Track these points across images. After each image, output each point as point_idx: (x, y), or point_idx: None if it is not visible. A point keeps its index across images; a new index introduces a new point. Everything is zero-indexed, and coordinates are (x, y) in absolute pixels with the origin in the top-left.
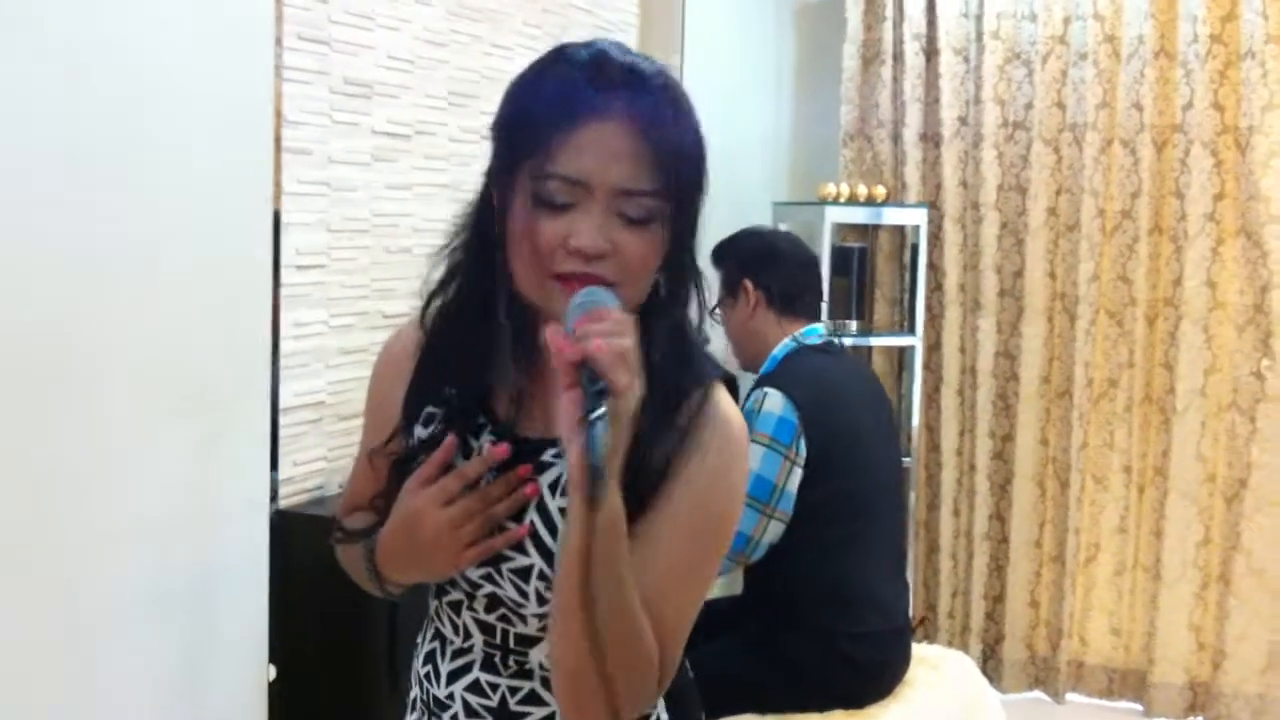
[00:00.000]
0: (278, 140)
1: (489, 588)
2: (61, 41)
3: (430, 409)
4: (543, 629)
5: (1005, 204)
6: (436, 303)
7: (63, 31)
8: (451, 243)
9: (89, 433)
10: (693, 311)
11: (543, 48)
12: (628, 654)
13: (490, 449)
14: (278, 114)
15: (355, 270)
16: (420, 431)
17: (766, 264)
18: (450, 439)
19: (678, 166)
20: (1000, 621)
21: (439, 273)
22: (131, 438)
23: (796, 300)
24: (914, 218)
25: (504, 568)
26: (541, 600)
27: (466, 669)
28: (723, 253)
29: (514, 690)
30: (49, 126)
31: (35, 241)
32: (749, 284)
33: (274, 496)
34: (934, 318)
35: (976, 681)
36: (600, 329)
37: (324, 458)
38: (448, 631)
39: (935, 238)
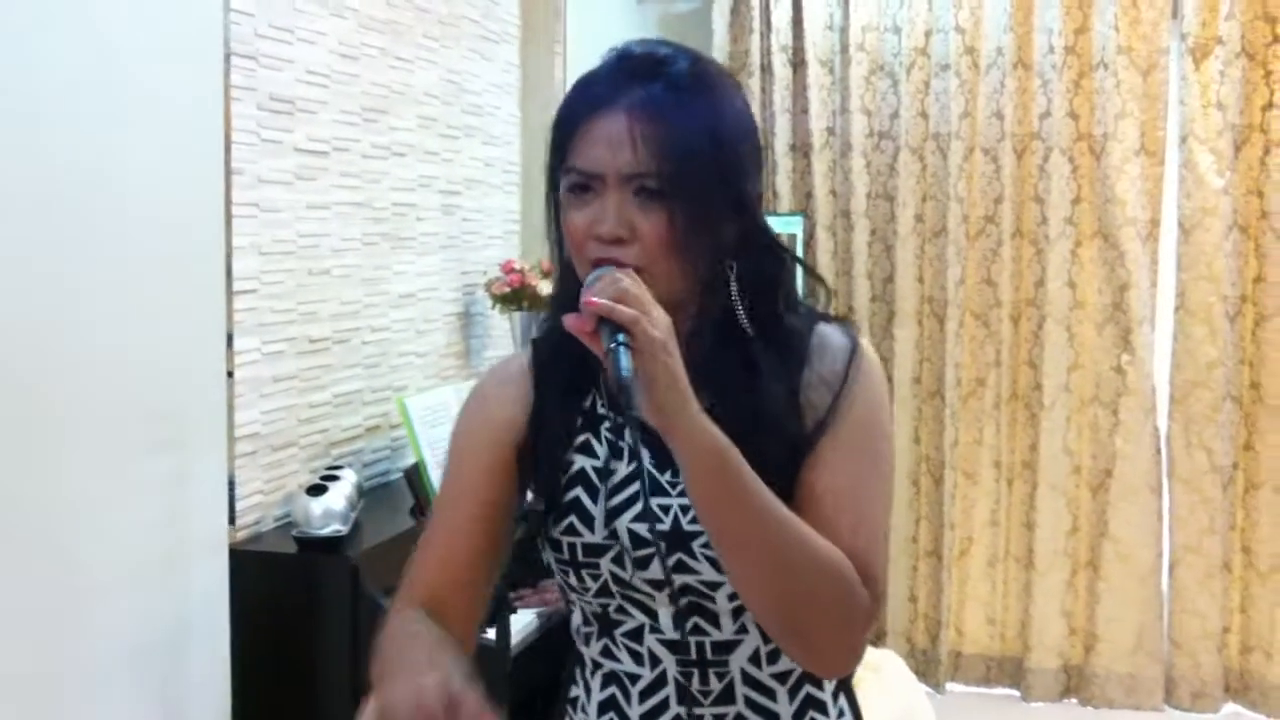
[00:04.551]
0: (227, 164)
1: (682, 578)
2: (16, 69)
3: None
4: (739, 630)
5: (874, 212)
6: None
7: (16, 61)
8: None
9: (60, 476)
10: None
11: (439, 60)
12: (806, 580)
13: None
14: (227, 135)
15: (283, 294)
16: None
17: None
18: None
19: (680, 145)
20: (881, 618)
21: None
22: (103, 480)
23: None
24: (790, 226)
25: (694, 546)
26: None
27: (663, 707)
28: None
29: (719, 719)
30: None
31: None
32: None
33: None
34: None
35: (911, 682)
36: (596, 289)
37: (260, 491)
38: (629, 667)
39: (807, 245)
